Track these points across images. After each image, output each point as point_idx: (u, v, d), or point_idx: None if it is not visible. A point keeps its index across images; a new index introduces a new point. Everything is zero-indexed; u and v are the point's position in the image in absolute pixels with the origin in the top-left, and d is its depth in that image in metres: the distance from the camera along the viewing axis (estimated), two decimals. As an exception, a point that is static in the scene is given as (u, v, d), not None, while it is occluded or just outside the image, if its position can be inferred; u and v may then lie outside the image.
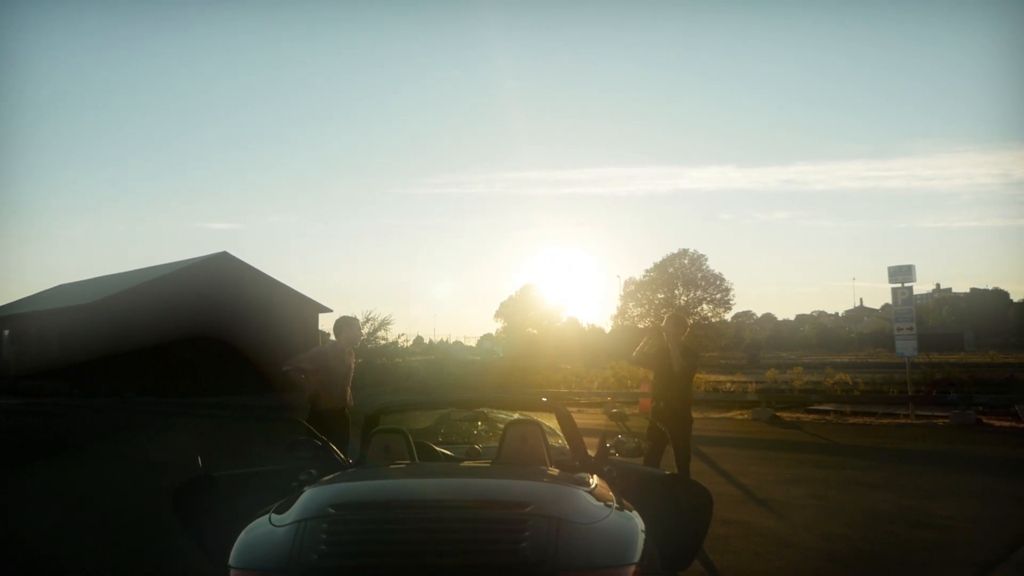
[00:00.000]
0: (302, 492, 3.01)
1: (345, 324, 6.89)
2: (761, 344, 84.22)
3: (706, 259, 74.84)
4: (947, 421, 13.16)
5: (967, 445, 10.88)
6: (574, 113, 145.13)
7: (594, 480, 3.44)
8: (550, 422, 4.97)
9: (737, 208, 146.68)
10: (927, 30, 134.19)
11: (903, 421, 13.69)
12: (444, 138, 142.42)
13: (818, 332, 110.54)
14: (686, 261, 75.16)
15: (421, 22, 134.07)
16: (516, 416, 4.94)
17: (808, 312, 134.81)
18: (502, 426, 5.46)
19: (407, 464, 3.63)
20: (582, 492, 3.05)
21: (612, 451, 4.37)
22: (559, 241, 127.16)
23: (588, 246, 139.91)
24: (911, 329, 14.18)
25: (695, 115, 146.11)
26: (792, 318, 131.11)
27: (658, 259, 75.38)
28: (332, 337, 7.04)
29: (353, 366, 6.95)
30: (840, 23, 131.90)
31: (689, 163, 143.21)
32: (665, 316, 7.16)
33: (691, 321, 7.16)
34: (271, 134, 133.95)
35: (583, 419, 16.60)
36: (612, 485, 3.68)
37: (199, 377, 31.64)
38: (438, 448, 4.69)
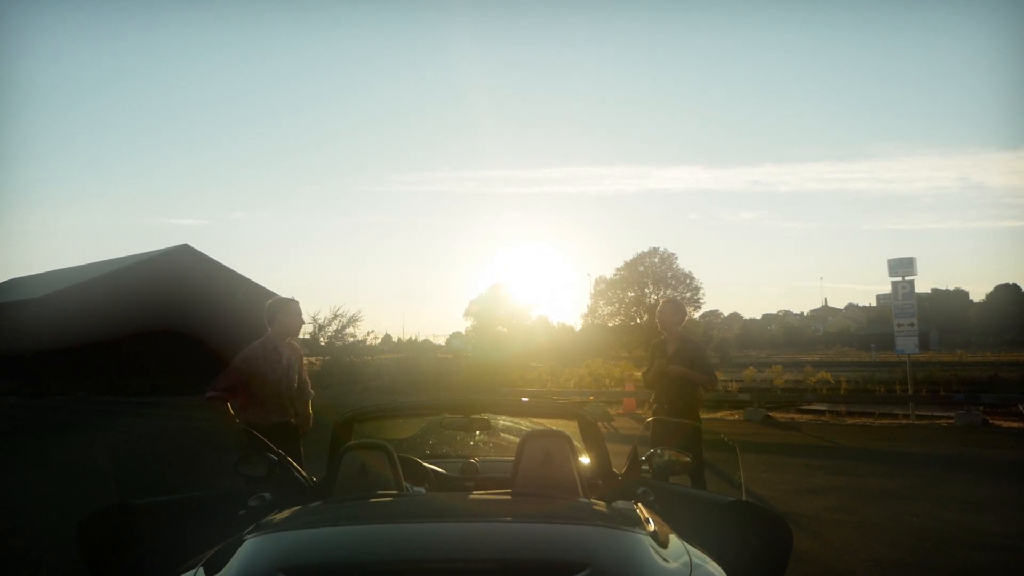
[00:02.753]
0: (242, 542, 2.01)
1: (279, 308, 5.05)
2: (730, 343, 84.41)
3: (676, 258, 74.73)
4: (952, 422, 12.51)
5: (982, 448, 10.19)
6: (543, 112, 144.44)
7: (645, 513, 2.50)
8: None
9: (704, 208, 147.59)
10: (888, 37, 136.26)
11: (904, 422, 13.02)
12: (413, 136, 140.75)
13: (785, 331, 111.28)
14: (656, 260, 74.88)
15: (390, 21, 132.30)
16: (532, 426, 4.00)
17: (774, 312, 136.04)
18: (508, 436, 4.50)
19: (393, 496, 2.65)
20: (646, 539, 2.10)
21: (645, 467, 3.46)
22: (529, 240, 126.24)
23: (558, 245, 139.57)
24: (912, 325, 13.51)
25: (663, 116, 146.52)
26: (758, 317, 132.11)
27: (628, 258, 74.94)
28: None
29: (300, 365, 5.22)
30: (804, 29, 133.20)
31: (657, 163, 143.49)
32: (660, 302, 6.18)
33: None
34: (238, 130, 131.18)
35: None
36: (657, 515, 2.79)
37: (157, 375, 30.18)
38: (426, 464, 3.72)
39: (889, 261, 13.42)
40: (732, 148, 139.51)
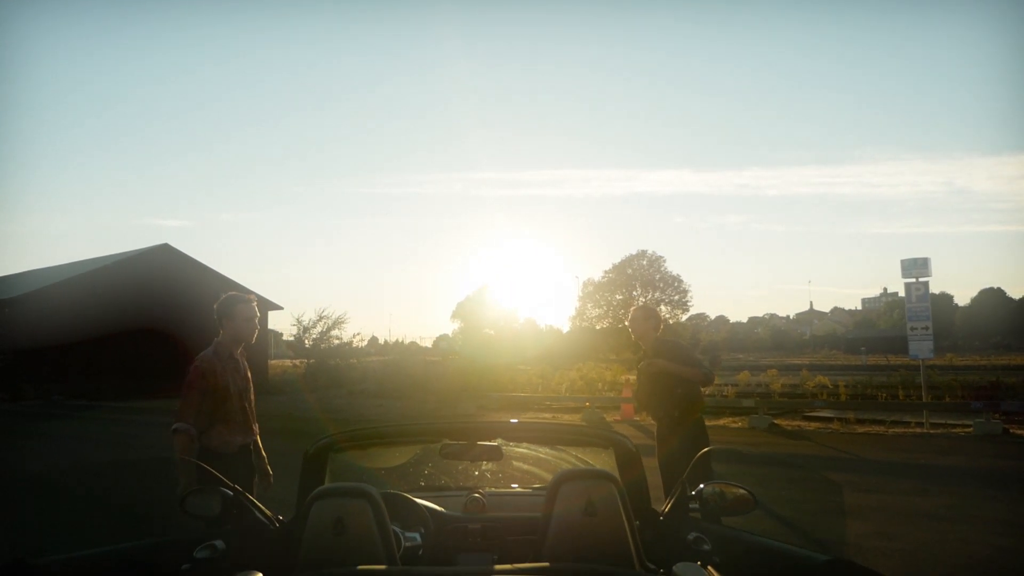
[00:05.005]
0: None
1: (233, 306, 4.11)
2: (720, 345, 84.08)
3: (664, 260, 74.60)
4: (970, 430, 11.87)
5: (1011, 460, 9.57)
6: (531, 115, 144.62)
7: None
8: (588, 458, 3.32)
9: (691, 211, 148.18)
10: (875, 43, 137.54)
11: (919, 431, 12.36)
12: (401, 138, 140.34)
13: (772, 334, 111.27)
14: (644, 262, 74.70)
15: (379, 24, 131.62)
16: (554, 455, 3.27)
17: (760, 315, 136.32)
18: (522, 465, 3.76)
19: (383, 573, 1.89)
20: None
21: (694, 504, 2.74)
22: (516, 242, 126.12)
23: (546, 247, 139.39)
24: (927, 329, 12.88)
25: (651, 119, 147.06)
26: (744, 320, 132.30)
27: (616, 260, 74.70)
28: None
29: (250, 378, 4.31)
30: (792, 34, 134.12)
31: (644, 166, 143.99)
32: (630, 311, 5.33)
33: None
34: (226, 132, 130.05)
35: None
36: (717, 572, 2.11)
37: (135, 378, 29.21)
38: (420, 501, 2.97)
39: (902, 261, 12.82)
40: (719, 151, 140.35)
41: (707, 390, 5.63)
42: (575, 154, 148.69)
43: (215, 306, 4.18)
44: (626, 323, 5.45)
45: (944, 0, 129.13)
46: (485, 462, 3.45)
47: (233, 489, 2.63)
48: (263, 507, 2.71)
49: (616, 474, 2.92)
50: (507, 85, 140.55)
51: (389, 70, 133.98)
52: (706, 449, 2.93)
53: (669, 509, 2.83)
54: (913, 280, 12.97)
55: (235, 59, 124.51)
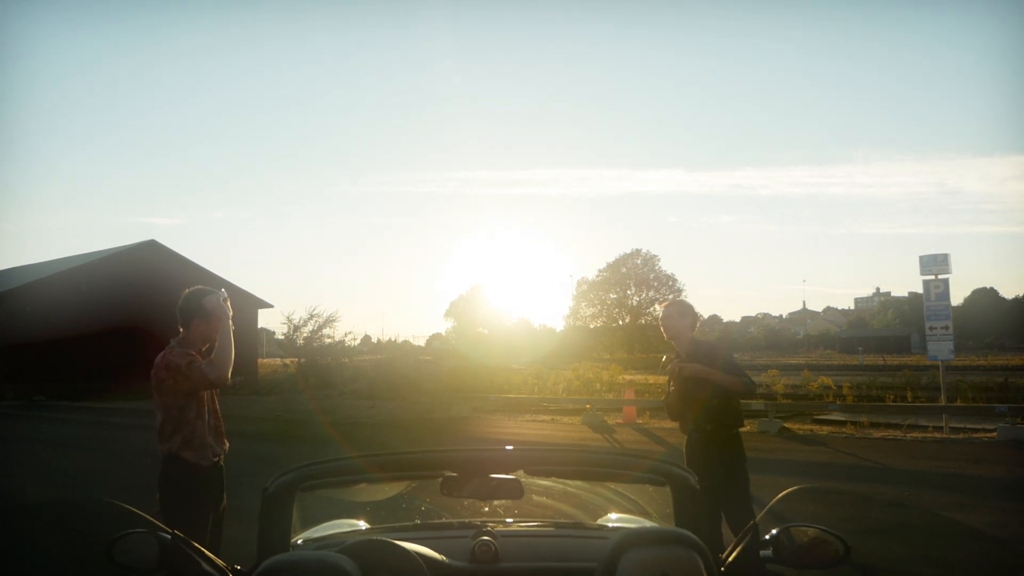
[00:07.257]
0: None
1: (207, 305, 3.57)
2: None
3: (658, 259, 74.30)
4: (993, 435, 11.26)
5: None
6: (525, 115, 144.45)
7: None
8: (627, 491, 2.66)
9: (684, 211, 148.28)
10: (868, 44, 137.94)
11: (939, 436, 11.73)
12: (395, 137, 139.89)
13: (766, 334, 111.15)
14: (639, 261, 74.38)
15: (371, 22, 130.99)
16: (601, 495, 2.61)
17: (753, 314, 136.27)
18: (544, 499, 3.09)
19: None
20: None
21: (768, 548, 2.10)
22: (510, 241, 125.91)
23: (539, 246, 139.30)
24: (946, 329, 12.25)
25: (644, 118, 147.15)
26: (738, 319, 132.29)
27: (610, 259, 74.36)
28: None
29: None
30: (785, 35, 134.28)
31: (638, 166, 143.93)
32: (663, 307, 4.67)
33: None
34: (218, 130, 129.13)
35: (558, 430, 14.28)
36: None
37: (119, 378, 28.38)
38: (413, 548, 2.27)
39: (921, 258, 12.23)
40: (713, 151, 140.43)
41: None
42: (569, 154, 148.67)
43: (180, 302, 3.63)
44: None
45: (937, 1, 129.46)
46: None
47: (170, 533, 1.97)
48: (212, 555, 2.03)
49: (668, 518, 2.28)
50: (500, 84, 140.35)
51: (381, 68, 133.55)
52: (797, 488, 2.27)
53: (734, 556, 2.17)
54: (932, 277, 12.37)
55: (225, 56, 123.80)
